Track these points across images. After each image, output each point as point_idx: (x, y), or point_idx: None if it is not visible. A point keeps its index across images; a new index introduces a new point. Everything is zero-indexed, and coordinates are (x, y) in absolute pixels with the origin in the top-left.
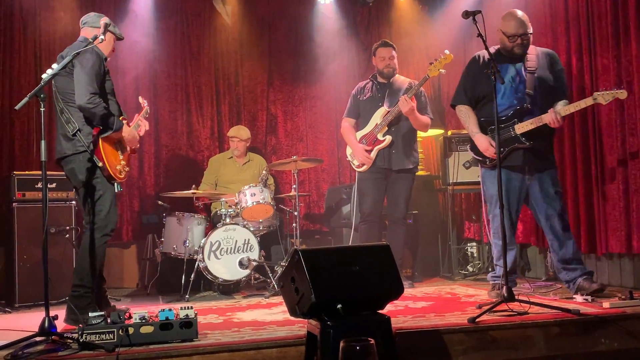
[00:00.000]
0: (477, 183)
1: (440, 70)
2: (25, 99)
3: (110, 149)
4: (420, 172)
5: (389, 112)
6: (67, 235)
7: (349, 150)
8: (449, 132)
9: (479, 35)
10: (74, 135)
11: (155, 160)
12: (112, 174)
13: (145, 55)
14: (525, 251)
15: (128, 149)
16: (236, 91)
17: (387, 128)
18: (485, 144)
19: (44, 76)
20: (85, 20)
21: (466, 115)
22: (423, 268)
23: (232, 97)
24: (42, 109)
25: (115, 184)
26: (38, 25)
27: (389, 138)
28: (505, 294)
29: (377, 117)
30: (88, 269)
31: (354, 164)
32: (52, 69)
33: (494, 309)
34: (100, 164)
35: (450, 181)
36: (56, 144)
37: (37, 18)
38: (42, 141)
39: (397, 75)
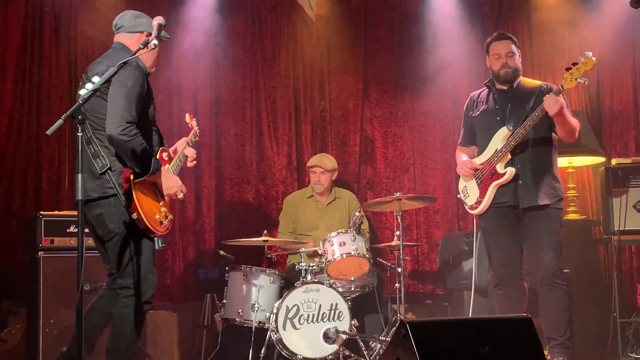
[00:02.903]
0: None
1: (579, 79)
2: (59, 122)
3: (146, 195)
4: (571, 216)
5: (512, 134)
6: None
7: (461, 185)
8: (613, 161)
9: None
10: (103, 173)
11: (217, 198)
12: (150, 227)
13: (205, 63)
14: None
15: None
16: (321, 107)
17: (509, 156)
18: None
19: (81, 92)
20: (120, 23)
21: None
22: (579, 348)
23: (315, 114)
24: (79, 134)
25: (156, 239)
26: (73, 26)
27: (510, 171)
28: None
29: (498, 140)
30: (125, 347)
31: (466, 205)
32: (93, 82)
33: None
34: (134, 216)
35: (616, 229)
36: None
37: (73, 17)
38: (78, 174)
39: (521, 78)
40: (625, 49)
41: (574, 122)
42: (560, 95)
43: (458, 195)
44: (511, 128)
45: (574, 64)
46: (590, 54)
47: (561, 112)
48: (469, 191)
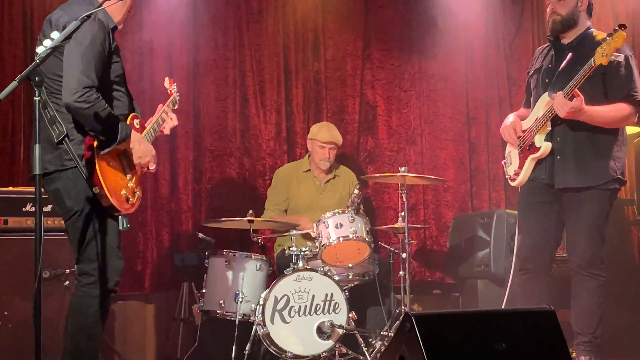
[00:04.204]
0: None
1: (610, 57)
2: (13, 84)
3: (111, 166)
4: None
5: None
6: (67, 282)
7: (507, 149)
8: None
9: None
10: (60, 143)
11: (195, 173)
12: (115, 204)
13: (181, 20)
14: None
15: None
16: (315, 68)
17: (549, 127)
18: None
19: (38, 50)
20: None
21: None
22: (610, 342)
23: (308, 77)
24: (36, 98)
25: (120, 218)
26: None
27: (546, 146)
28: None
29: (540, 107)
30: (86, 344)
31: (507, 174)
32: (52, 38)
33: None
34: (96, 190)
35: None
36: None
37: None
38: (36, 145)
39: (591, 30)
40: None
41: (608, 113)
42: (577, 92)
43: (503, 162)
44: (552, 95)
45: (609, 34)
46: (624, 27)
47: (575, 114)
48: (512, 159)
